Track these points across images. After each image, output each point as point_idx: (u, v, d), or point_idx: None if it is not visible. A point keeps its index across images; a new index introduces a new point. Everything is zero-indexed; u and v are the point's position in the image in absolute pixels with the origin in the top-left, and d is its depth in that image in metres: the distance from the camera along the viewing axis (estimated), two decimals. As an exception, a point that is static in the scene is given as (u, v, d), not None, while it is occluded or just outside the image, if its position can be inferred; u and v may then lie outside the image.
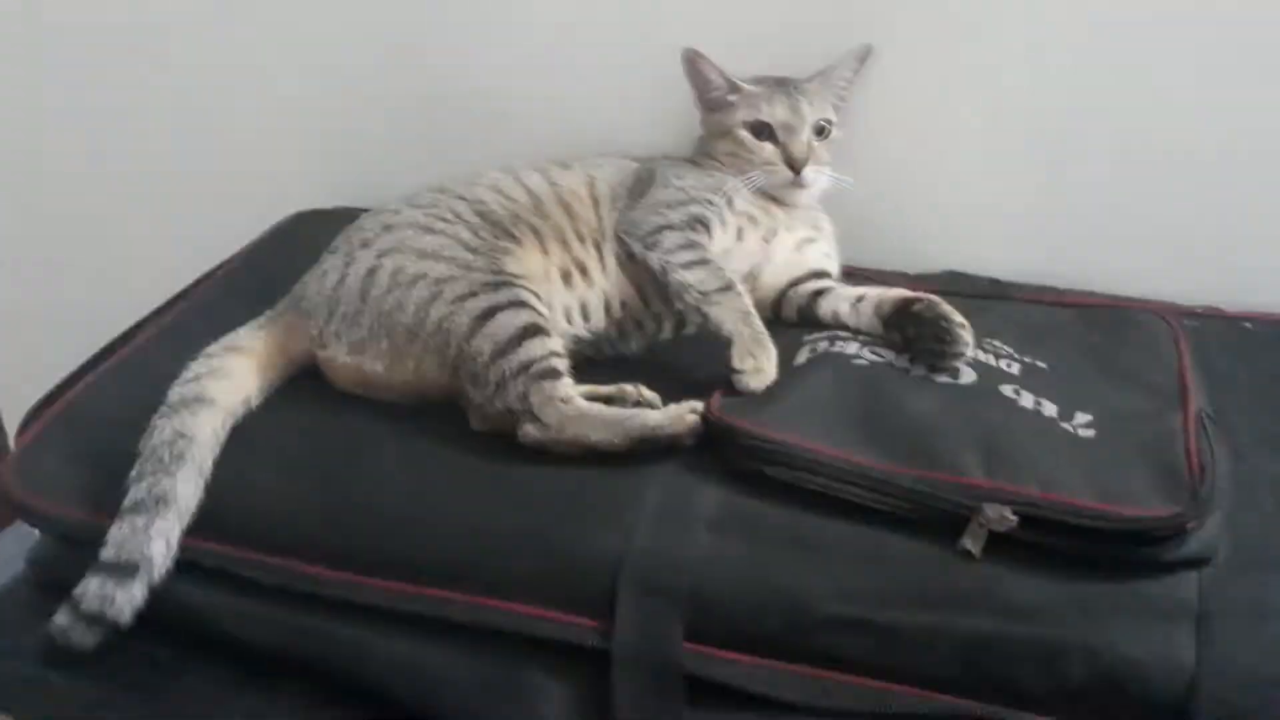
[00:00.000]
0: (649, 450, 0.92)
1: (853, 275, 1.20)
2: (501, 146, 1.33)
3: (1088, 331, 1.10)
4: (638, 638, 0.82)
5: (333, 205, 1.41)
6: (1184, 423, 0.92)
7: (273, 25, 1.45)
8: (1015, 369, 1.00)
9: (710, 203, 1.12)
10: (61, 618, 0.88)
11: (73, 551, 0.92)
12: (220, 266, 1.29)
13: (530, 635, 0.84)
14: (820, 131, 1.17)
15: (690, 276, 1.05)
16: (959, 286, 1.20)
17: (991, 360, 1.01)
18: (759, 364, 0.98)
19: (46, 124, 1.60)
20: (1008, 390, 0.95)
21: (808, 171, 1.15)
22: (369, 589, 0.88)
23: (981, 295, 1.18)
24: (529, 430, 0.94)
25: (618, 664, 0.82)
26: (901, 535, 0.84)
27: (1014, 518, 0.80)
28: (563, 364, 0.98)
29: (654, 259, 1.07)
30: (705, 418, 0.93)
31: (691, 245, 1.07)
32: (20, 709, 0.91)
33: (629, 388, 0.99)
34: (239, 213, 1.39)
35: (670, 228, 1.09)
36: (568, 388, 0.96)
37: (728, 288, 1.04)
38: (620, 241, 1.11)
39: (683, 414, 0.94)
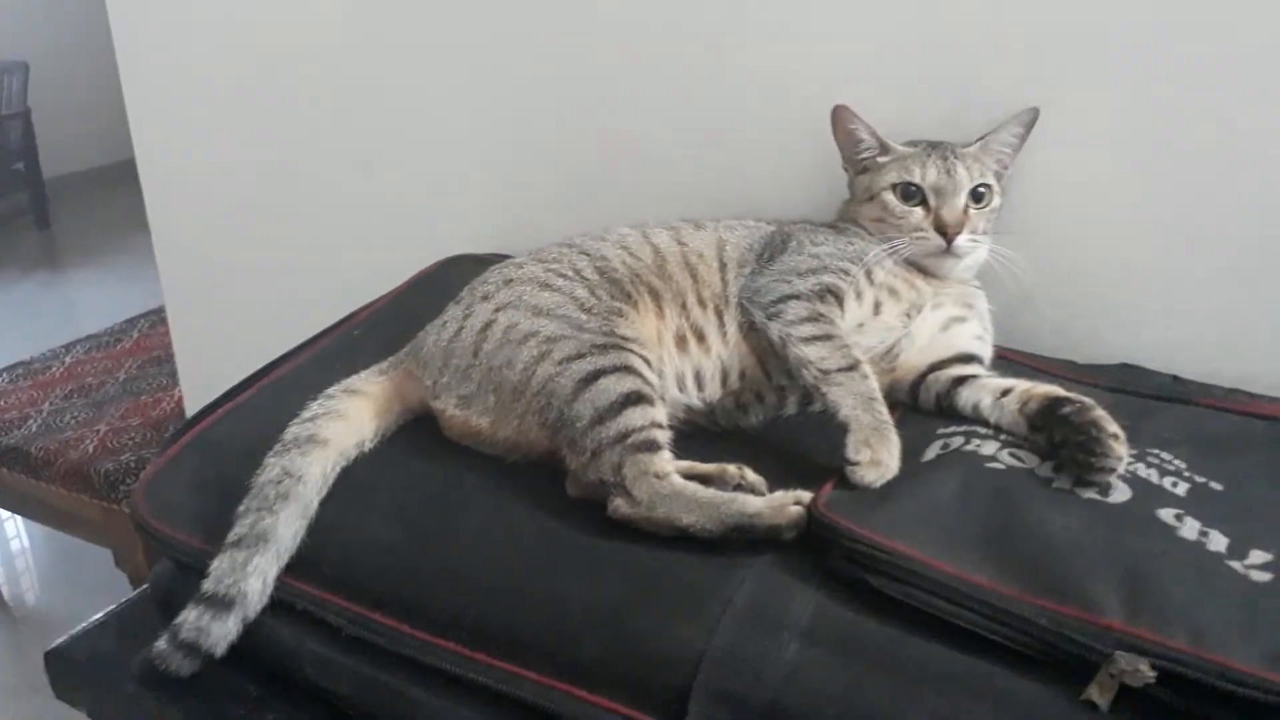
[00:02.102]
0: (744, 539, 0.86)
1: (1009, 361, 1.09)
2: (647, 198, 1.32)
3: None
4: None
5: (489, 250, 1.44)
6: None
7: (447, 74, 1.50)
8: (1182, 489, 0.86)
9: (845, 272, 1.05)
10: (162, 644, 0.91)
11: (188, 576, 0.96)
12: (367, 307, 1.32)
13: (593, 725, 0.79)
14: (978, 198, 1.07)
15: (810, 352, 0.97)
16: (1132, 383, 1.06)
17: (1154, 476, 0.87)
18: (877, 456, 0.89)
19: (230, 154, 1.73)
20: (1167, 515, 0.82)
21: (961, 240, 1.05)
22: (441, 651, 0.85)
23: (1157, 395, 1.04)
24: (619, 504, 0.89)
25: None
26: (1017, 674, 0.73)
27: (1152, 673, 0.68)
28: (664, 436, 0.93)
29: (774, 330, 1.01)
30: (810, 511, 0.85)
31: (816, 318, 1.00)
32: (116, 724, 0.96)
33: (732, 468, 0.93)
34: (401, 254, 1.44)
35: (796, 297, 1.02)
36: (664, 462, 0.91)
37: (851, 368, 0.96)
38: (742, 309, 1.05)
39: (786, 504, 0.87)
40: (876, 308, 1.06)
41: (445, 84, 1.51)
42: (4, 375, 2.68)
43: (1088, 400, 0.90)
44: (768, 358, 1.05)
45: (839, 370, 0.96)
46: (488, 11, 1.44)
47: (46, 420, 2.48)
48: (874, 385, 0.95)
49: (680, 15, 1.31)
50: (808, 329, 0.99)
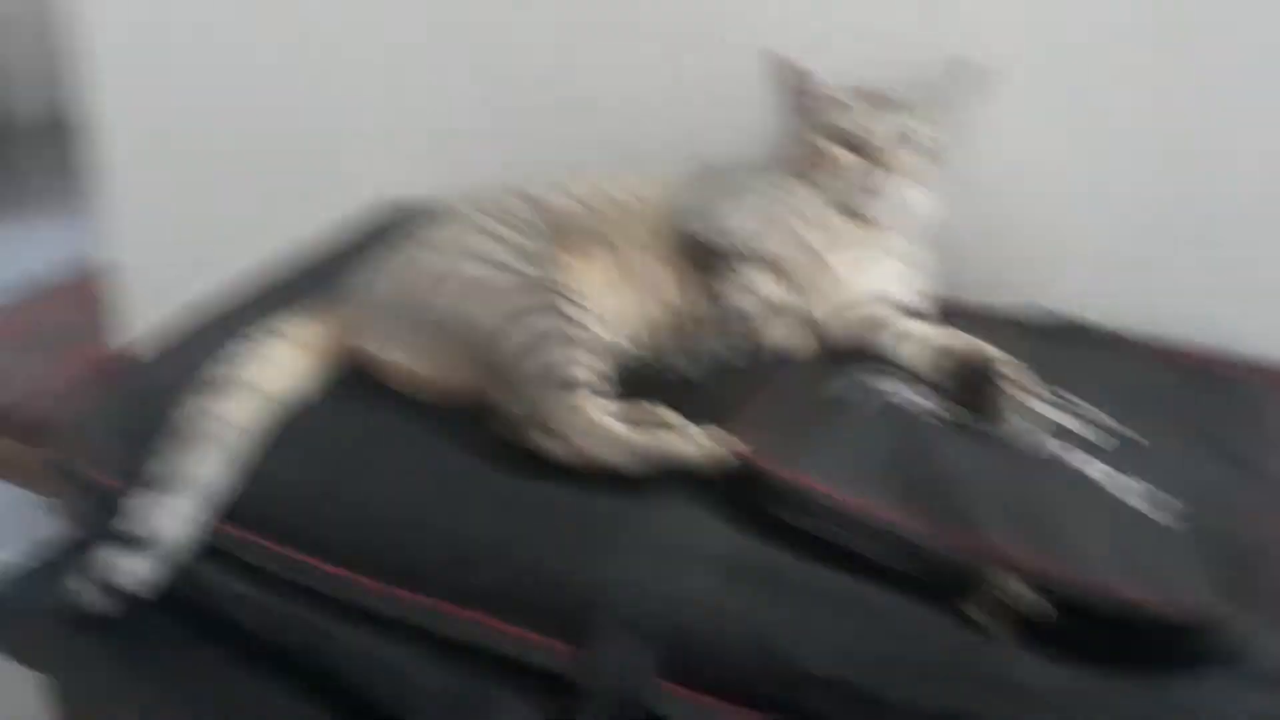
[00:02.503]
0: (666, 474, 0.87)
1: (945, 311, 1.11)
2: (591, 148, 1.31)
3: (1195, 400, 0.98)
4: (612, 670, 0.78)
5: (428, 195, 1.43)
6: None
7: (375, 13, 1.48)
8: (1096, 435, 0.89)
9: (783, 214, 1.07)
10: (74, 580, 0.91)
11: (110, 519, 0.95)
12: (301, 252, 1.31)
13: (499, 652, 0.81)
14: (913, 145, 1.08)
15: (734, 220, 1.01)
16: (1048, 330, 1.09)
17: (1066, 421, 0.90)
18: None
19: (150, 98, 1.70)
20: (1078, 457, 0.85)
21: (894, 183, 1.07)
22: (356, 587, 0.86)
23: (1071, 341, 1.07)
24: (543, 441, 0.90)
25: (585, 694, 0.78)
26: (918, 603, 0.75)
27: (1028, 594, 0.71)
28: (587, 375, 0.94)
29: (698, 224, 1.03)
30: (727, 449, 0.87)
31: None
32: (45, 666, 0.95)
33: (647, 407, 0.94)
34: (340, 199, 1.42)
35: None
36: (589, 400, 0.92)
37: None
38: (680, 247, 1.07)
39: (706, 441, 0.88)
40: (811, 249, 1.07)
41: (394, 26, 1.48)
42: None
43: (994, 350, 0.93)
44: (703, 300, 1.06)
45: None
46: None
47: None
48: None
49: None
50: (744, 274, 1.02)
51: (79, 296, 2.80)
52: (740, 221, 1.02)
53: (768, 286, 1.05)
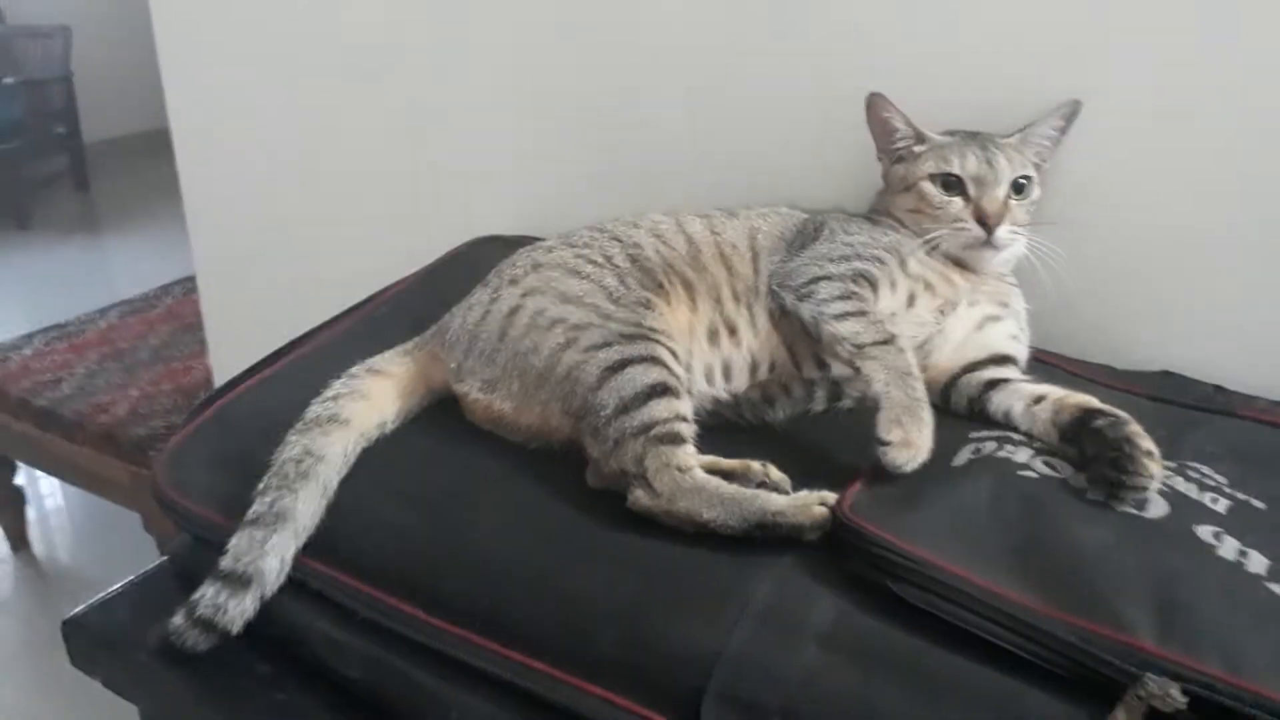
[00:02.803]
0: (766, 538, 0.84)
1: (1046, 364, 1.06)
2: (681, 186, 1.30)
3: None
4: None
5: (518, 232, 1.43)
6: None
7: (466, 53, 1.49)
8: (1222, 506, 0.83)
9: (880, 261, 1.02)
10: (178, 619, 0.90)
11: (207, 550, 0.95)
12: (394, 285, 1.32)
13: (604, 722, 0.78)
14: (1018, 189, 1.04)
15: (844, 328, 0.95)
16: (1172, 392, 1.03)
17: (1193, 491, 0.85)
18: (909, 436, 0.87)
19: (264, 127, 1.73)
20: (1205, 533, 0.80)
21: (1001, 231, 1.02)
22: (452, 638, 0.84)
23: (1198, 406, 1.01)
24: (639, 496, 0.88)
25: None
26: (1042, 692, 0.71)
27: (1183, 699, 0.66)
28: (688, 430, 0.92)
29: (806, 310, 0.99)
30: (834, 512, 0.83)
31: (849, 296, 0.98)
32: (132, 695, 0.96)
33: (756, 465, 0.91)
34: (431, 233, 1.43)
35: (828, 279, 1.00)
36: (687, 456, 0.89)
37: (886, 342, 0.93)
38: (773, 295, 1.03)
39: (810, 504, 0.85)
40: (910, 299, 1.03)
41: (480, 62, 1.49)
42: (40, 337, 2.71)
43: (1122, 414, 0.87)
44: (798, 347, 1.03)
45: (874, 344, 0.93)
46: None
47: (80, 383, 2.51)
48: (910, 361, 0.93)
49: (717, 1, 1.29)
50: (840, 306, 0.97)
51: (180, 313, 2.90)
52: (848, 325, 0.96)
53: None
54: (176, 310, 2.93)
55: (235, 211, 1.82)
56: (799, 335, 1.02)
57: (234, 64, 1.71)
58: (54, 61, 4.91)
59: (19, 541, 2.71)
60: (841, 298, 0.98)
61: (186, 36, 1.74)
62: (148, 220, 4.65)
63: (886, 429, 0.87)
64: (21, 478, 2.72)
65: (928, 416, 0.89)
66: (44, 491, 2.98)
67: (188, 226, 1.88)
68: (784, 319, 1.03)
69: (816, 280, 1.00)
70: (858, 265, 1.01)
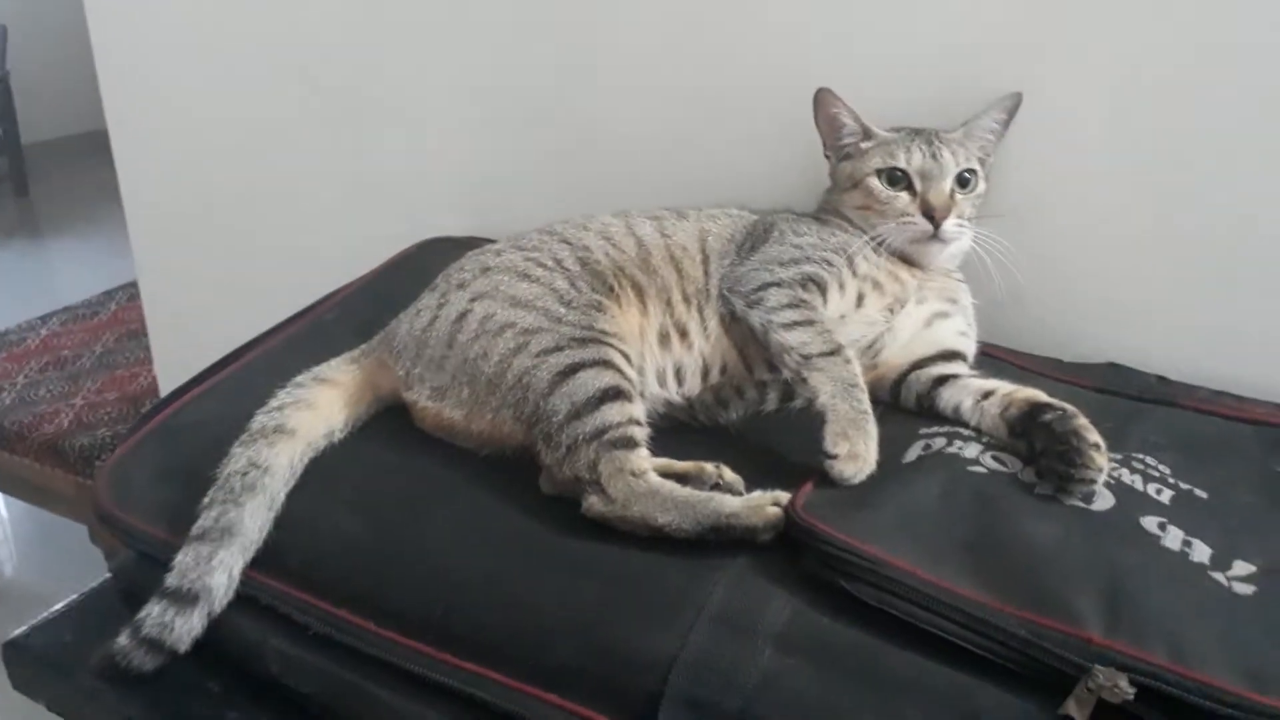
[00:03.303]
0: (721, 540, 0.84)
1: (994, 358, 1.07)
2: (629, 183, 1.30)
3: (1268, 456, 0.93)
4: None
5: (468, 234, 1.41)
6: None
7: (413, 53, 1.47)
8: (1166, 496, 0.85)
9: (829, 263, 1.02)
10: (123, 639, 0.88)
11: (152, 567, 0.93)
12: (342, 289, 1.29)
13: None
14: (963, 183, 1.05)
15: (791, 338, 0.95)
16: (1118, 383, 1.05)
17: (1138, 483, 0.86)
18: (854, 449, 0.87)
19: (205, 128, 1.69)
20: (1150, 523, 0.81)
21: (948, 224, 1.03)
22: (407, 651, 0.83)
23: (1142, 397, 1.03)
24: (594, 502, 0.87)
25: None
26: (994, 685, 0.71)
27: (1131, 689, 0.67)
28: (641, 433, 0.91)
29: (755, 317, 0.99)
30: (787, 512, 0.83)
31: (798, 304, 0.98)
32: (77, 718, 0.93)
33: (709, 467, 0.91)
34: (379, 235, 1.41)
35: (778, 285, 1.00)
36: (641, 460, 0.89)
37: (833, 353, 0.94)
38: (724, 299, 1.03)
39: (763, 505, 0.85)
40: (859, 300, 1.03)
41: (427, 63, 1.47)
42: (-21, 347, 2.64)
43: (1069, 407, 0.89)
44: (749, 350, 1.03)
45: (820, 355, 0.94)
46: (471, -11, 1.41)
47: (21, 393, 2.44)
48: (856, 371, 0.93)
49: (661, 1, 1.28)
50: (789, 315, 0.97)
51: (124, 320, 2.83)
52: (796, 334, 0.96)
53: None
54: (121, 316, 2.87)
55: (177, 215, 1.78)
56: (750, 339, 1.02)
57: (173, 64, 1.67)
58: (-12, 61, 4.77)
59: (-39, 558, 2.64)
60: (790, 305, 0.98)
61: (123, 37, 1.70)
62: (89, 224, 4.54)
63: (833, 443, 0.88)
64: (-40, 492, 2.64)
65: (873, 429, 0.89)
66: (-14, 507, 2.91)
67: (129, 231, 1.84)
68: (734, 323, 1.03)
69: (766, 286, 1.00)
70: (806, 269, 1.02)
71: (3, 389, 2.45)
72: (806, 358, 0.94)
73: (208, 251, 1.76)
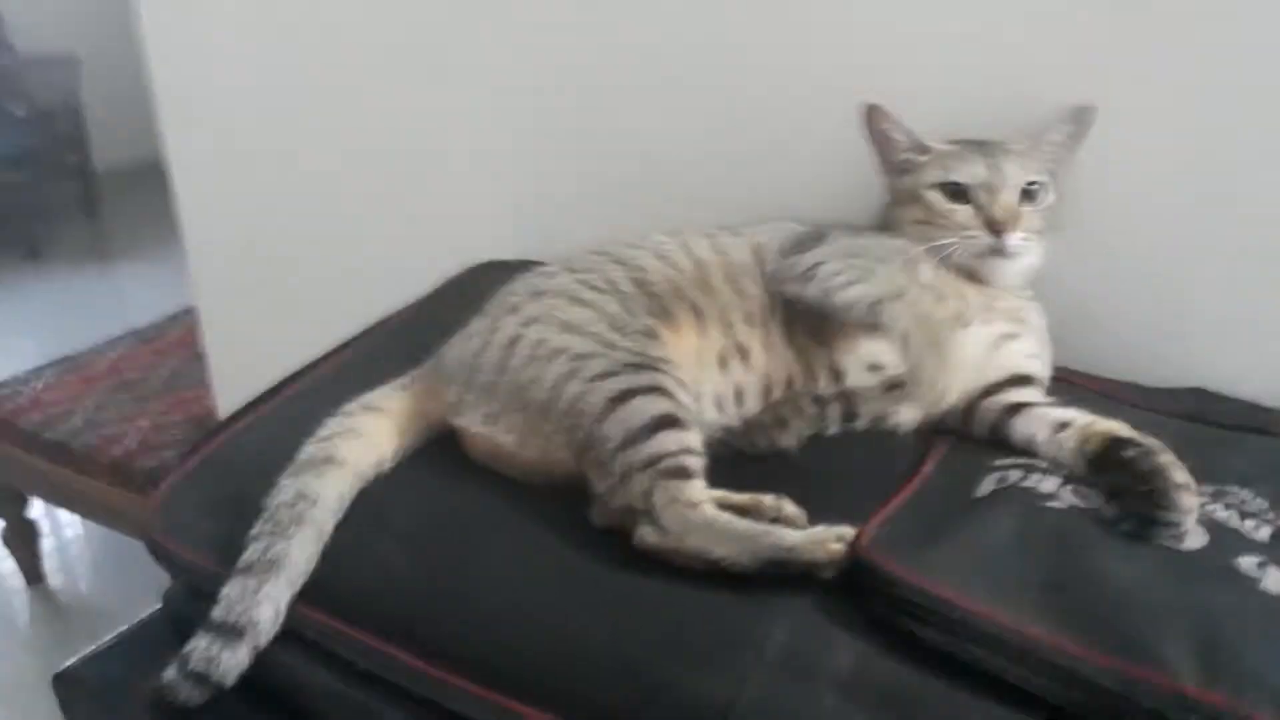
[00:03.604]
0: (780, 576, 0.80)
1: (1071, 384, 1.01)
2: (680, 202, 1.28)
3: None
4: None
5: (519, 257, 1.40)
6: None
7: (461, 75, 1.46)
8: (1264, 533, 0.79)
9: (886, 260, 0.98)
10: (170, 673, 0.87)
11: (201, 599, 0.92)
12: (391, 316, 1.28)
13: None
14: (1030, 196, 1.00)
15: (853, 292, 0.94)
16: (1205, 410, 0.98)
17: (1232, 519, 0.80)
18: (941, 359, 0.87)
19: (260, 156, 1.70)
20: (1247, 564, 0.75)
21: (1013, 238, 0.98)
22: (455, 691, 0.80)
23: (1234, 425, 0.96)
24: (646, 534, 0.84)
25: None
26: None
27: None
28: (697, 463, 0.87)
29: (811, 290, 0.97)
30: (852, 549, 0.79)
31: (851, 268, 0.96)
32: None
33: (769, 500, 0.86)
34: (432, 259, 1.40)
35: (828, 262, 0.98)
36: (697, 490, 0.85)
37: (899, 295, 0.91)
38: (779, 294, 1.01)
39: (826, 540, 0.80)
40: None
41: (475, 88, 1.47)
42: (50, 370, 2.70)
43: (1153, 442, 0.83)
44: (813, 356, 0.99)
45: (889, 297, 0.92)
46: (515, 15, 1.40)
47: (90, 415, 2.49)
48: (930, 306, 0.92)
49: (708, 14, 1.26)
50: (845, 277, 0.96)
51: (190, 342, 2.88)
52: (857, 288, 0.95)
53: (891, 361, 0.97)
54: (186, 339, 2.91)
55: (234, 241, 1.79)
56: (811, 345, 0.99)
57: (228, 95, 1.69)
58: (64, 90, 4.93)
59: (34, 575, 2.69)
60: (845, 271, 0.97)
61: (181, 69, 1.72)
62: (158, 248, 4.64)
63: (916, 355, 0.87)
64: (38, 510, 2.70)
65: (952, 355, 0.88)
66: (63, 522, 2.97)
67: (187, 257, 1.86)
68: (796, 325, 1.00)
69: (817, 265, 0.98)
70: (861, 260, 0.98)
71: (73, 411, 2.50)
72: (875, 303, 0.92)
73: (264, 277, 1.77)
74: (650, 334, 0.96)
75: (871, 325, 0.92)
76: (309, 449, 0.95)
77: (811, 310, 0.98)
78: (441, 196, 1.55)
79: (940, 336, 0.88)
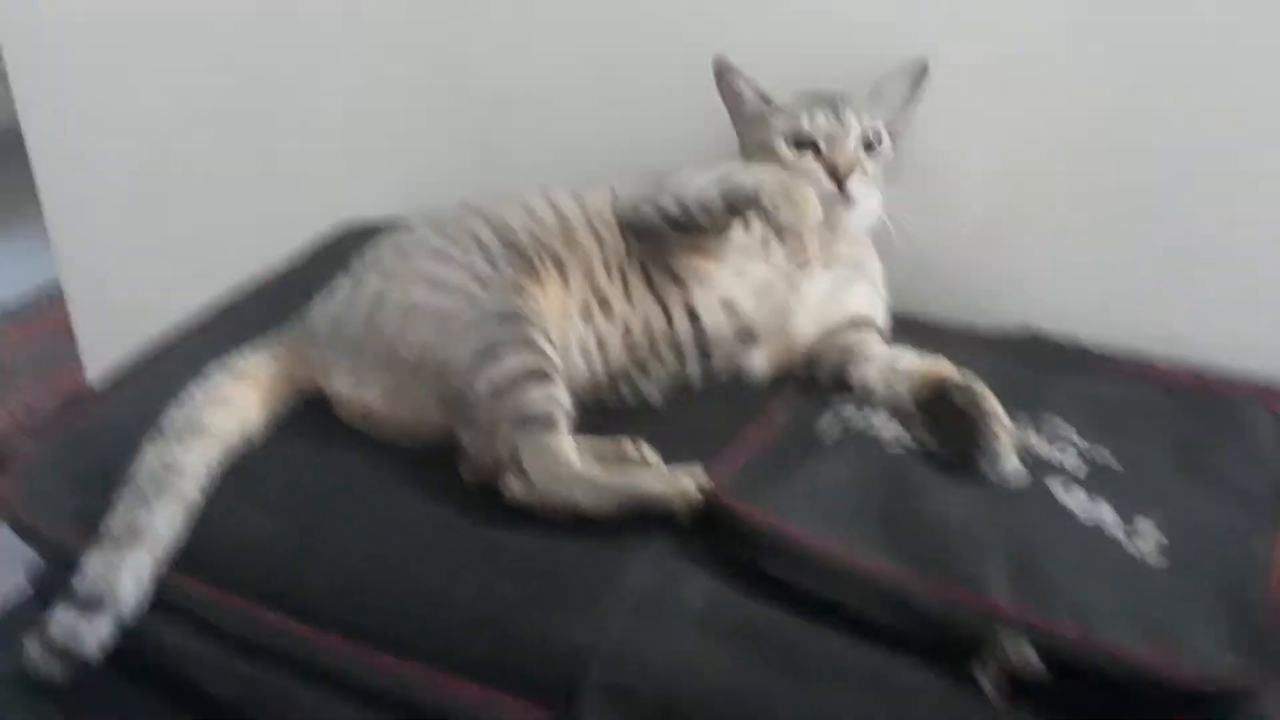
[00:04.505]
0: (640, 518, 0.83)
1: (909, 327, 1.07)
2: (547, 156, 1.31)
3: (1177, 417, 0.94)
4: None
5: (385, 214, 1.39)
6: (1276, 550, 0.76)
7: (325, 33, 1.44)
8: (1075, 462, 0.86)
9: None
10: (32, 648, 0.86)
11: (67, 575, 0.91)
12: (259, 278, 1.27)
13: (482, 720, 0.77)
14: (868, 146, 1.05)
15: (701, 179, 0.98)
16: (1033, 350, 1.06)
17: (1053, 453, 0.87)
18: (797, 204, 0.90)
19: (121, 122, 1.65)
20: (1059, 489, 0.82)
21: (853, 183, 1.03)
22: (324, 648, 0.82)
23: (1059, 364, 1.03)
24: (513, 485, 0.86)
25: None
26: (911, 662, 0.71)
27: (1038, 661, 0.67)
28: (563, 415, 0.90)
29: (666, 200, 1.00)
30: (704, 492, 0.83)
31: (701, 174, 1.00)
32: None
33: (629, 445, 0.90)
34: (301, 222, 1.38)
35: (674, 176, 1.02)
36: (563, 441, 0.87)
37: (744, 181, 0.95)
38: (630, 227, 1.04)
39: (681, 482, 0.84)
40: (764, 244, 1.03)
41: (340, 41, 1.44)
42: (-94, 349, 2.57)
43: (976, 384, 0.88)
44: (668, 296, 1.02)
45: (736, 173, 0.96)
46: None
47: (-47, 396, 2.38)
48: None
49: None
50: (691, 175, 1.00)
51: (61, 319, 2.76)
52: (707, 175, 0.98)
53: (745, 296, 1.01)
54: (57, 316, 2.80)
55: (96, 211, 1.73)
56: (669, 284, 1.02)
57: (84, 52, 1.61)
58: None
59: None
60: (692, 175, 1.00)
61: (31, 26, 1.64)
62: (19, 220, 4.41)
63: (774, 205, 0.90)
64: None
65: (806, 184, 0.93)
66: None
67: (48, 230, 1.79)
68: (653, 268, 1.03)
69: (661, 192, 1.02)
70: (709, 188, 1.01)
71: (-66, 392, 2.39)
72: (722, 178, 0.96)
73: (129, 246, 1.71)
74: (516, 288, 0.97)
75: (726, 199, 0.95)
76: (172, 416, 0.94)
77: (667, 222, 1.01)
78: (307, 155, 1.52)
79: (790, 180, 0.93)
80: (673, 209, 1.00)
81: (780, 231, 0.91)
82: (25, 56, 1.67)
